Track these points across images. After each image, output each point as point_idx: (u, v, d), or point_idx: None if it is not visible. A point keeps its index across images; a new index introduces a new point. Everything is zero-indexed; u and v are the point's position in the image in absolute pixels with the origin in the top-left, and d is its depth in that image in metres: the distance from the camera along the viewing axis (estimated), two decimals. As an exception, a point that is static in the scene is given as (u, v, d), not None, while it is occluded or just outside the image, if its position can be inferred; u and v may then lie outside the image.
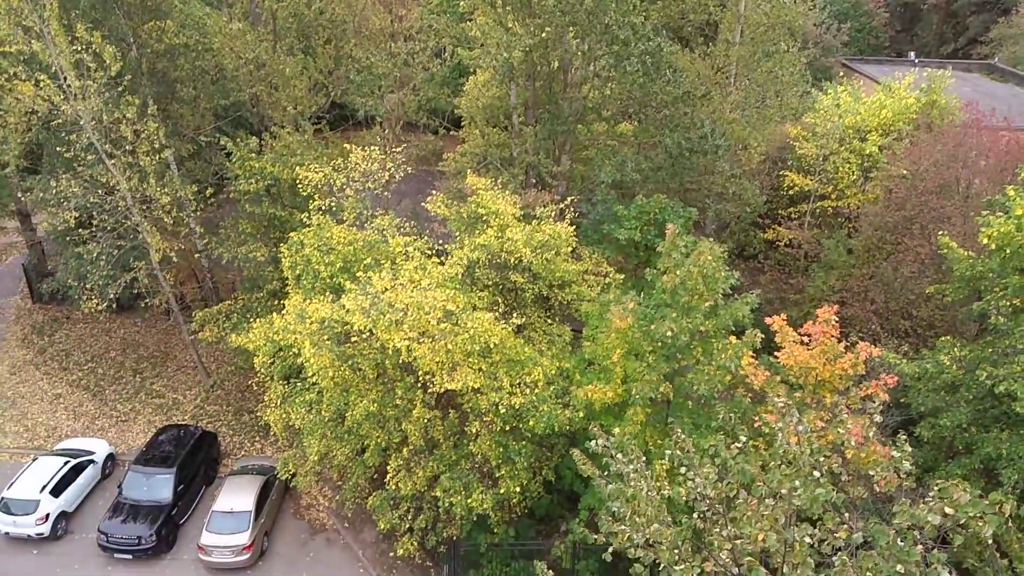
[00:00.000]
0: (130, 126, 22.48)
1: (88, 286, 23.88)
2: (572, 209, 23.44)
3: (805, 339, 16.22)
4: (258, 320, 20.78)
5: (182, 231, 26.43)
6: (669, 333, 15.50)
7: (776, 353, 16.54)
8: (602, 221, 25.37)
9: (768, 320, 16.67)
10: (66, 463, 22.77)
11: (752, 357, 16.74)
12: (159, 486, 22.13)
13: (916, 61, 48.11)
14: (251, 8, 29.36)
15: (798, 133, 30.88)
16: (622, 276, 22.88)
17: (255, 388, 24.23)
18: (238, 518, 21.01)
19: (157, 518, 21.34)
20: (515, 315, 19.67)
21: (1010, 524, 10.49)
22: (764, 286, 29.24)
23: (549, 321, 21.93)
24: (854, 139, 29.34)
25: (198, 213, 26.91)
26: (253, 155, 24.66)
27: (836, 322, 16.18)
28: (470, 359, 17.24)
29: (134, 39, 24.66)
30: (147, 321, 31.21)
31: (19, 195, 29.22)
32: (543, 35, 24.10)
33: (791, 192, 30.77)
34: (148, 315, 30.34)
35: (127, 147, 22.76)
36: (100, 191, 23.18)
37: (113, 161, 22.59)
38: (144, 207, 23.90)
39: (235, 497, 21.60)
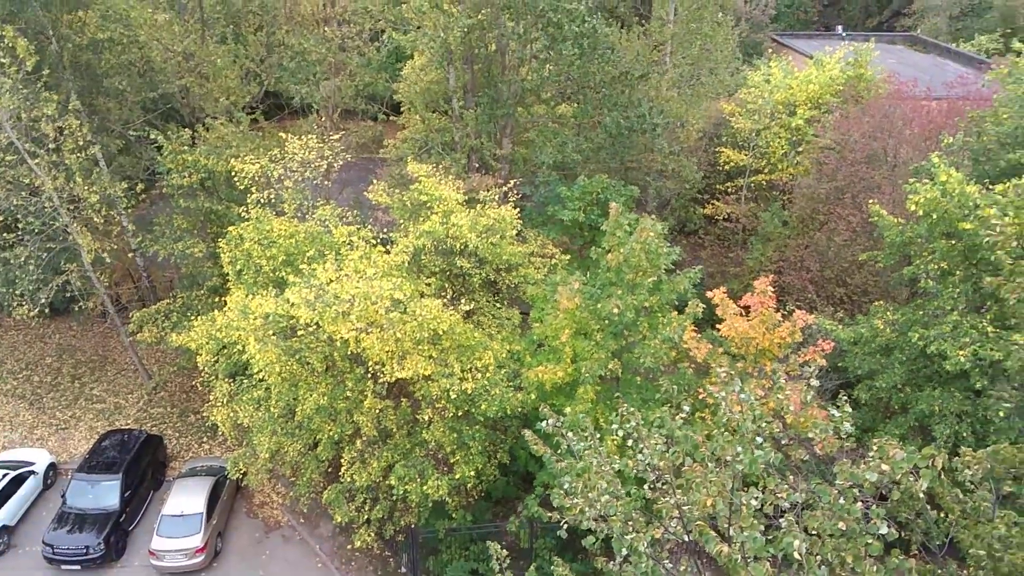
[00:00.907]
0: (52, 123, 21.55)
1: (18, 292, 22.89)
2: (516, 192, 23.51)
3: (744, 310, 16.67)
4: (199, 318, 20.26)
5: (114, 230, 25.56)
6: (615, 310, 15.75)
7: (718, 325, 16.97)
8: (546, 203, 25.52)
9: (709, 294, 17.07)
10: (4, 475, 21.97)
11: (695, 330, 17.15)
12: (105, 493, 21.52)
13: (844, 35, 49.53)
14: (176, -3, 28.40)
15: (732, 109, 31.53)
16: (568, 257, 23.09)
17: (200, 388, 23.71)
18: (189, 521, 20.61)
19: (105, 526, 20.78)
20: (463, 301, 19.66)
21: (943, 477, 11.05)
22: (705, 260, 29.94)
23: (498, 305, 22.00)
24: (783, 114, 30.09)
25: (130, 211, 26.04)
26: (186, 148, 23.95)
27: (773, 292, 16.67)
28: (420, 347, 17.19)
29: (53, 32, 23.58)
30: (83, 325, 30.15)
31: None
32: (479, 17, 23.97)
33: (728, 167, 31.46)
34: (83, 319, 29.24)
35: (50, 145, 21.84)
36: (24, 192, 22.22)
37: (36, 161, 21.66)
38: (72, 207, 23.00)
39: (185, 499, 21.17)
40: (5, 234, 23.05)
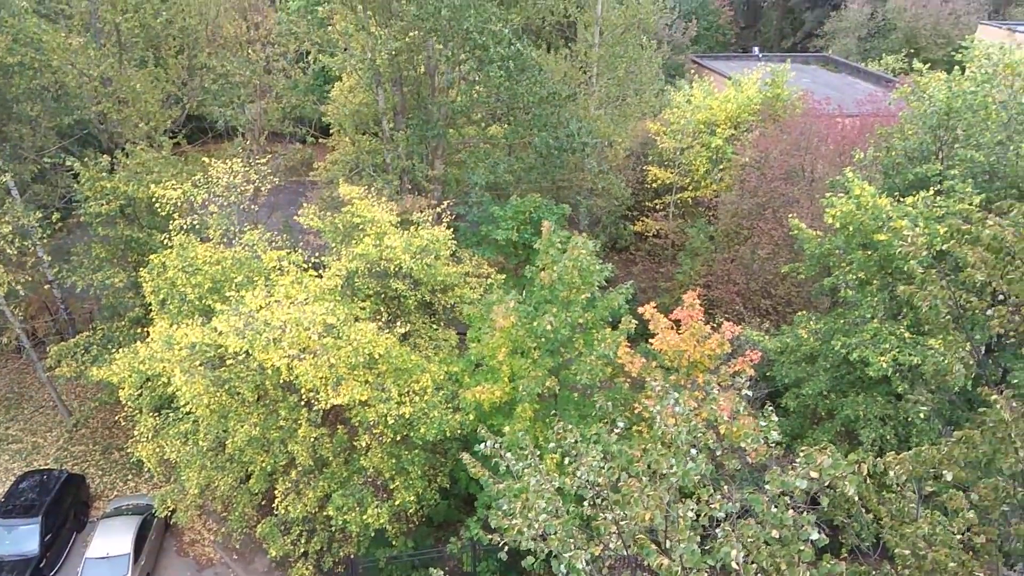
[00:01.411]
0: (-43, 150, 20.47)
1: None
2: (449, 213, 23.48)
3: (676, 324, 17.04)
4: (121, 350, 19.41)
5: (29, 261, 24.35)
6: (549, 327, 15.86)
7: (651, 340, 17.29)
8: (480, 223, 25.62)
9: (641, 309, 17.39)
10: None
11: (629, 345, 17.42)
12: (23, 538, 20.33)
13: (760, 56, 51.65)
14: (92, 21, 27.40)
15: (657, 129, 32.39)
16: (503, 276, 23.16)
17: (123, 423, 22.70)
18: (115, 563, 19.62)
19: (24, 572, 19.60)
20: (399, 323, 19.47)
21: (869, 481, 11.47)
22: (637, 276, 30.54)
23: (434, 326, 21.87)
24: (705, 133, 31.11)
25: (46, 241, 24.87)
26: (104, 175, 23.09)
27: (702, 305, 17.11)
28: (355, 372, 16.90)
29: (-47, 56, 22.46)
30: (-5, 362, 28.57)
31: None
32: (407, 39, 24.00)
33: (655, 185, 32.28)
34: (-4, 355, 27.79)
35: (-44, 174, 20.71)
36: (-73, 223, 20.98)
37: (-62, 190, 20.50)
38: (-19, 238, 21.82)
39: (110, 541, 20.15)
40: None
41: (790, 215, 20.90)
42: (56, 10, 28.46)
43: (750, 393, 11.49)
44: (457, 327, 22.35)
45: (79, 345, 23.55)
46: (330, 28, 27.45)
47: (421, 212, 22.55)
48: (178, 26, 29.26)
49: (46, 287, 26.08)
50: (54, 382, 25.18)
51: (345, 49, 25.69)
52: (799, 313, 19.76)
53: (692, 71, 46.13)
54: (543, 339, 16.50)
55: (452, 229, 22.19)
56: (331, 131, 33.32)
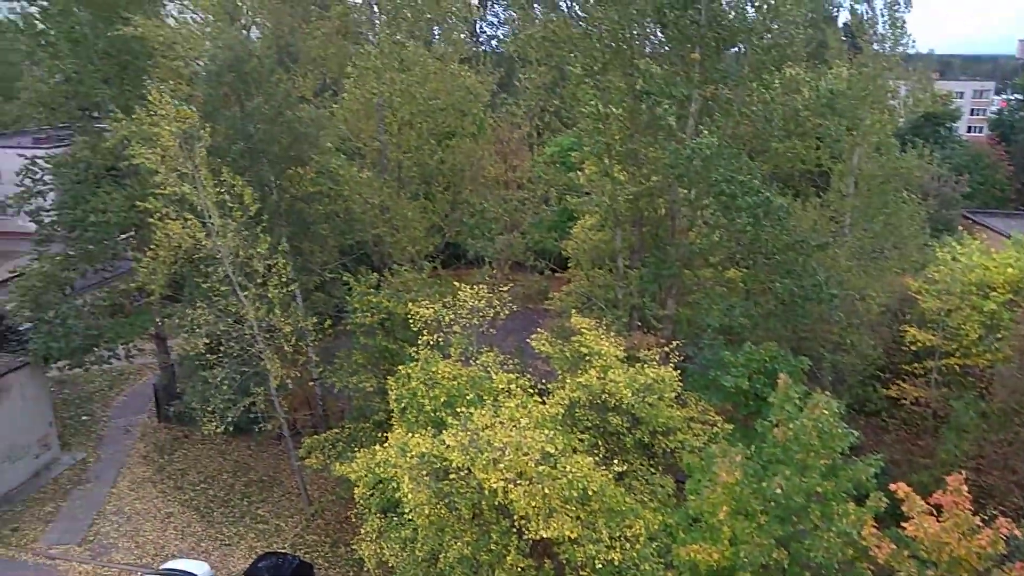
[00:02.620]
0: (263, 261, 24.42)
1: (210, 409, 25.19)
2: (677, 353, 23.08)
3: (935, 510, 14.75)
4: (362, 450, 21.11)
5: (300, 359, 27.76)
6: (780, 491, 14.54)
7: (903, 523, 15.07)
8: (709, 367, 24.76)
9: (893, 486, 15.31)
10: (168, 584, 23.20)
11: (875, 526, 15.34)
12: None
13: (1048, 213, 45.91)
14: (380, 159, 32.10)
15: (919, 287, 29.53)
16: (731, 427, 21.96)
17: (353, 520, 24.23)
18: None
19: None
20: (616, 461, 19.07)
21: None
22: (889, 446, 27.09)
23: (652, 470, 21.08)
24: (975, 295, 27.70)
25: (316, 343, 28.31)
26: (372, 291, 26.07)
27: (969, 492, 14.67)
28: (568, 505, 16.69)
29: (275, 184, 27.29)
30: (259, 445, 32.30)
31: (159, 320, 31.79)
32: (649, 184, 24.91)
33: (914, 347, 29.02)
34: (261, 439, 31.42)
35: (259, 280, 24.65)
36: (230, 320, 24.94)
37: (245, 293, 24.44)
38: (268, 336, 25.41)
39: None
40: (208, 355, 25.78)
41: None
42: (353, 148, 33.81)
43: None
44: (676, 474, 21.32)
45: (328, 440, 26.02)
46: (576, 172, 29.49)
47: (648, 350, 22.43)
48: (448, 165, 33.27)
49: (310, 384, 29.43)
50: (303, 471, 27.82)
51: (588, 193, 27.23)
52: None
53: (963, 227, 42.07)
54: (772, 503, 15.13)
55: (679, 370, 21.71)
56: (568, 265, 34.92)
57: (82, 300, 30.52)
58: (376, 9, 31.22)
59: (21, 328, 32.41)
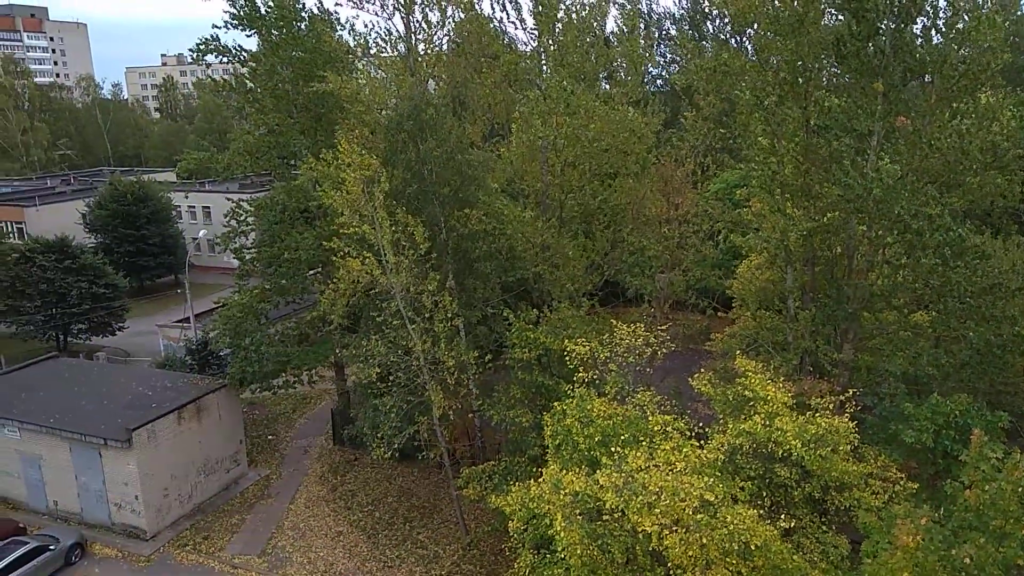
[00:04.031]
0: (431, 297, 25.78)
1: (379, 435, 26.73)
2: (854, 403, 21.46)
3: None
4: (517, 484, 21.40)
5: (461, 391, 28.82)
6: (969, 561, 13.02)
7: None
8: (889, 419, 22.77)
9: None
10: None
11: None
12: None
13: None
14: (542, 199, 32.97)
15: None
16: (915, 485, 19.98)
17: (507, 553, 24.51)
18: None
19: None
20: (783, 516, 17.95)
21: None
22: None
23: (823, 528, 19.60)
24: None
25: (477, 376, 29.28)
26: (531, 327, 26.63)
27: None
28: (727, 559, 15.92)
29: (444, 224, 28.81)
30: (422, 472, 33.69)
31: (338, 350, 34.34)
32: (823, 220, 23.60)
33: None
34: (423, 466, 32.76)
35: (426, 314, 26.01)
36: (400, 351, 26.47)
37: (414, 326, 25.85)
38: (432, 367, 26.66)
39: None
40: (380, 384, 27.45)
41: None
42: (518, 189, 34.99)
43: None
44: (850, 534, 19.67)
45: (485, 471, 26.65)
46: (744, 209, 28.51)
47: (821, 397, 21.04)
48: (610, 205, 33.48)
49: (470, 415, 30.42)
50: (461, 501, 28.64)
51: (757, 229, 26.23)
52: None
53: None
54: (962, 573, 13.55)
55: (856, 421, 20.14)
56: (732, 304, 33.68)
57: (274, 329, 33.79)
58: (544, 57, 32.36)
59: (221, 353, 36.38)
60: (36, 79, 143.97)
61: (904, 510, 15.96)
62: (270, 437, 38.57)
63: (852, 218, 24.67)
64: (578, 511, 17.13)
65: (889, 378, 23.63)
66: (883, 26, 22.22)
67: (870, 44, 22.52)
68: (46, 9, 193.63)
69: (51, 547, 27.13)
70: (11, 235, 63.04)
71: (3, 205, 69.98)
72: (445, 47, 33.77)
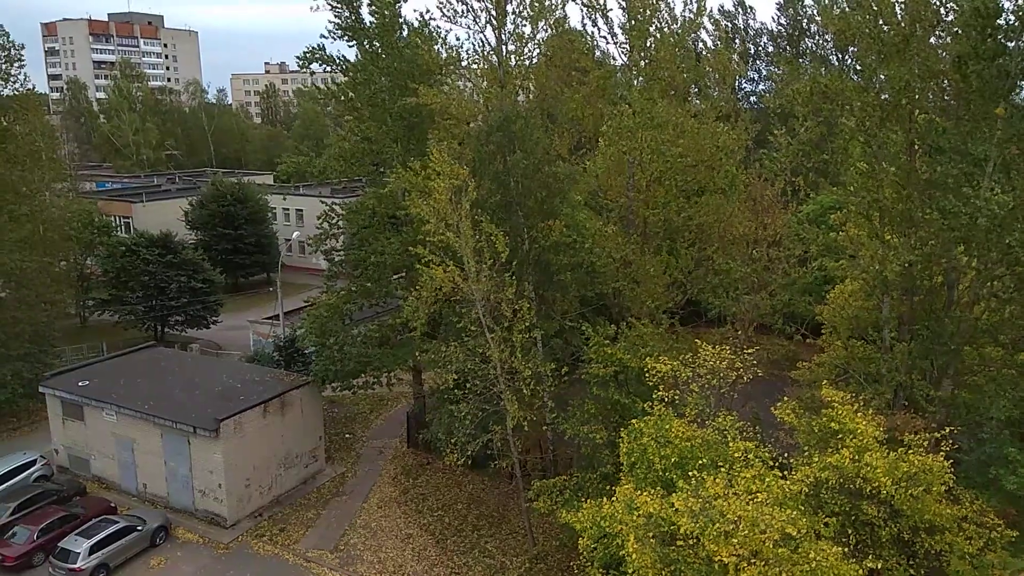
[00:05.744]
0: (510, 306, 25.88)
1: (453, 441, 26.99)
2: (950, 442, 20.27)
3: None
4: (588, 501, 21.16)
5: (536, 403, 28.74)
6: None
7: None
8: (989, 463, 21.41)
9: None
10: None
11: None
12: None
13: None
14: (626, 214, 32.67)
15: None
16: (1014, 534, 18.69)
17: (575, 571, 24.24)
18: None
19: None
20: (869, 556, 17.09)
21: None
22: None
23: (911, 572, 18.55)
24: None
25: (552, 389, 29.17)
26: (608, 342, 26.36)
27: None
28: (808, 596, 15.26)
29: (527, 235, 28.93)
30: (492, 480, 33.75)
31: (417, 354, 34.87)
32: (925, 249, 22.46)
33: None
34: (493, 475, 32.83)
35: (505, 324, 26.13)
36: (477, 359, 26.67)
37: (492, 335, 26.02)
38: (509, 377, 26.72)
39: None
40: (456, 390, 27.72)
41: None
42: (601, 203, 34.77)
43: None
44: (941, 581, 18.58)
45: (556, 486, 26.47)
46: (838, 233, 27.42)
47: (915, 434, 19.96)
48: (696, 222, 32.85)
49: (543, 428, 30.27)
50: (530, 513, 28.54)
51: (852, 256, 25.20)
52: None
53: None
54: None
55: (952, 461, 19.01)
56: (822, 331, 32.42)
57: (357, 331, 34.67)
58: (635, 71, 32.15)
59: (307, 351, 37.56)
60: (149, 83, 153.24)
61: (1000, 559, 15.01)
62: (347, 436, 39.52)
63: (953, 247, 23.40)
64: (651, 534, 16.80)
65: (991, 421, 22.23)
66: (1012, 46, 21.07)
67: (994, 65, 21.38)
68: (162, 17, 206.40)
69: (139, 528, 28.50)
70: (119, 228, 67.09)
71: (114, 200, 74.76)
72: (535, 60, 34.00)
